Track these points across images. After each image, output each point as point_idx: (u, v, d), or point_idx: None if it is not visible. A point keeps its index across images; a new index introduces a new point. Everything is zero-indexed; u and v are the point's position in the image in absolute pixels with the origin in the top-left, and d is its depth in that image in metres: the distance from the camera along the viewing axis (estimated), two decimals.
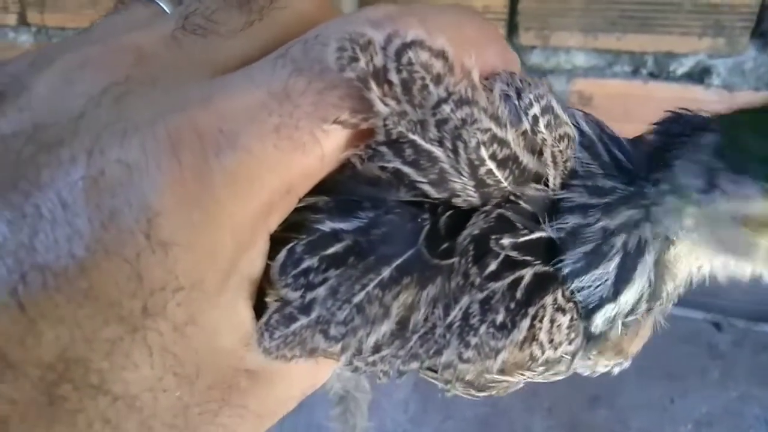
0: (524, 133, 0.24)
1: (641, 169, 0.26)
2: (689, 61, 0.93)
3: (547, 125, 0.24)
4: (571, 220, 0.25)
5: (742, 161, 0.23)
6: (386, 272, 0.23)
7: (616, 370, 0.31)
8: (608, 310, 0.26)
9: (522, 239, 0.24)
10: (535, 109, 0.24)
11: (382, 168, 0.23)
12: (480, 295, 0.23)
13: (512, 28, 0.99)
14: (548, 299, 0.25)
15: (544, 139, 0.24)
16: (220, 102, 0.21)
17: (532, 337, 0.24)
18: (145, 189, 0.19)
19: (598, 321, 0.26)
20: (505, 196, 0.24)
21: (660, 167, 0.25)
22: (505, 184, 0.24)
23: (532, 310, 0.24)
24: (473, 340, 0.24)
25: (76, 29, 1.26)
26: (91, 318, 0.19)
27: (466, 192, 0.23)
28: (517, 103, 0.24)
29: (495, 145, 0.23)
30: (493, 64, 0.25)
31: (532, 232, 0.24)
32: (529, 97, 0.24)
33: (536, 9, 0.96)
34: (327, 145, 0.22)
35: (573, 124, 0.26)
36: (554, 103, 0.25)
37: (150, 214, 0.19)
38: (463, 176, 0.23)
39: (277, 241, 0.23)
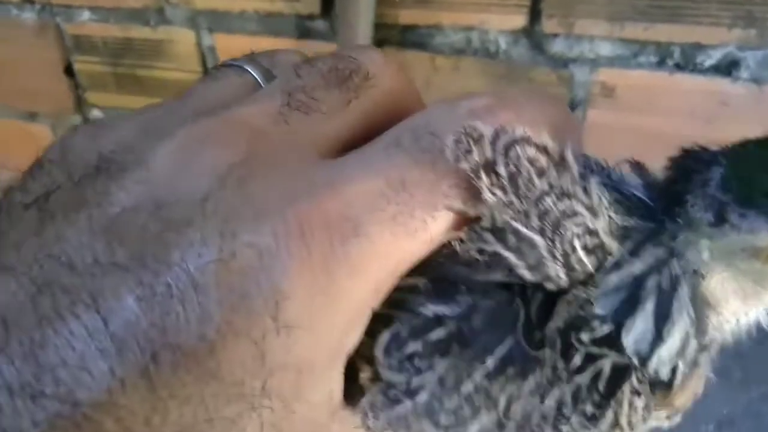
0: (609, 221, 0.25)
1: (660, 206, 0.26)
2: (717, 52, 0.91)
3: (617, 212, 0.25)
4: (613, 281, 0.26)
5: (750, 195, 0.24)
6: (491, 363, 0.24)
7: (666, 425, 0.31)
8: (661, 355, 0.26)
9: (598, 333, 0.25)
10: (608, 196, 0.25)
11: (481, 251, 0.24)
12: (569, 388, 0.24)
13: (535, 15, 0.96)
14: (626, 387, 0.26)
15: (617, 225, 0.25)
16: (343, 188, 0.22)
17: (615, 423, 0.25)
18: (275, 273, 0.20)
19: (655, 367, 0.26)
20: (589, 278, 0.25)
21: (675, 202, 0.26)
22: (591, 269, 0.25)
23: (614, 400, 0.25)
24: (564, 429, 0.25)
25: (81, 8, 1.23)
26: (216, 397, 0.20)
27: (558, 277, 0.24)
28: (602, 192, 0.25)
29: (587, 237, 0.24)
30: (577, 148, 0.27)
31: (603, 324, 0.25)
32: (598, 188, 0.25)
33: None
34: (434, 230, 0.23)
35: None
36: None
37: (279, 297, 0.20)
38: (558, 263, 0.24)
39: (374, 317, 0.24)
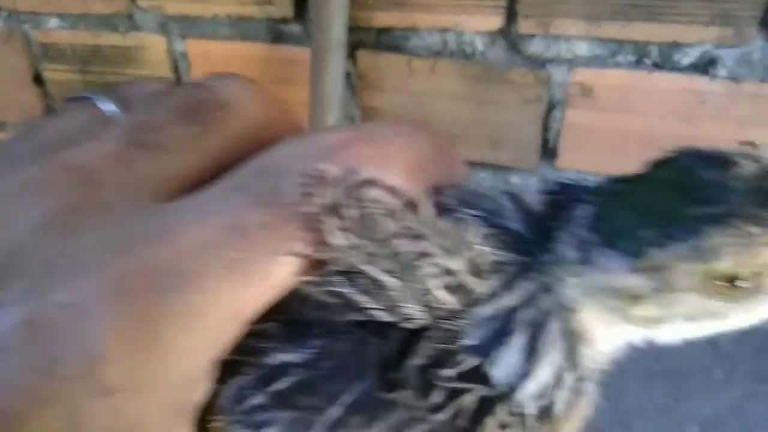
0: (469, 259, 0.24)
1: (535, 240, 0.26)
2: (695, 51, 0.90)
3: (484, 250, 0.25)
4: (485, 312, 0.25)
5: (613, 235, 0.24)
6: (335, 412, 0.23)
7: None
8: (529, 387, 0.25)
9: (464, 367, 0.25)
10: (471, 237, 0.25)
11: (333, 293, 0.23)
12: (425, 428, 0.24)
13: (511, 15, 0.95)
14: (490, 421, 0.25)
15: (484, 261, 0.25)
16: (172, 236, 0.20)
17: None
18: (89, 334, 0.19)
19: (524, 399, 0.26)
20: (452, 318, 0.25)
21: (548, 238, 0.26)
22: (453, 306, 0.24)
23: None
24: None
25: (48, 15, 1.19)
26: None
27: (415, 316, 0.24)
28: (462, 228, 0.25)
29: (444, 277, 0.24)
30: (443, 182, 0.26)
31: (470, 357, 0.25)
32: (464, 223, 0.25)
33: None
34: (280, 275, 0.22)
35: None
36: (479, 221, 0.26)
37: (95, 360, 0.19)
38: (414, 304, 0.23)
39: (226, 365, 0.23)
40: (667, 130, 0.95)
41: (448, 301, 0.24)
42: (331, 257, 0.23)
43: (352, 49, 1.06)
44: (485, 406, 0.25)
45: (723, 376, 0.87)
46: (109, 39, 1.18)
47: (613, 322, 0.26)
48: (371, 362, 0.23)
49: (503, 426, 0.25)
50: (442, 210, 0.25)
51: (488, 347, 0.25)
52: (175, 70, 1.18)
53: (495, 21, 0.96)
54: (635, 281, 0.24)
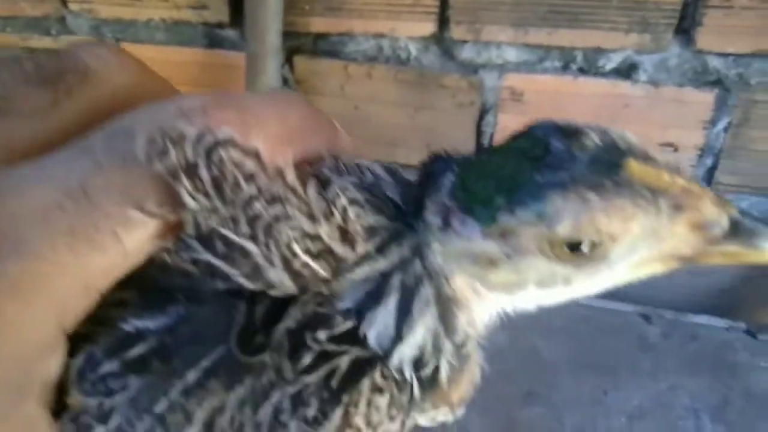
0: (337, 225, 0.24)
1: (409, 208, 0.27)
2: (617, 56, 0.94)
3: (356, 215, 0.25)
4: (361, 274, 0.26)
5: (469, 202, 0.25)
6: (191, 377, 0.22)
7: (451, 419, 0.32)
8: (402, 352, 0.26)
9: (338, 330, 0.25)
10: (342, 201, 0.25)
11: (195, 262, 0.23)
12: (292, 390, 0.23)
13: (443, 22, 0.97)
14: (364, 383, 0.25)
15: (355, 229, 0.25)
16: (9, 201, 0.20)
17: (347, 424, 0.25)
18: None
19: (397, 363, 0.26)
20: (324, 283, 0.25)
21: (420, 205, 0.26)
22: (323, 273, 0.24)
23: (345, 398, 0.24)
24: None
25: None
26: None
27: (282, 284, 0.24)
28: (330, 194, 0.24)
29: (308, 241, 0.23)
30: (319, 151, 0.26)
31: (346, 320, 0.25)
32: (336, 190, 0.25)
33: (467, 2, 0.94)
34: (130, 242, 0.21)
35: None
36: (358, 192, 0.26)
37: None
38: (278, 270, 0.23)
39: (80, 339, 0.22)
40: None
41: (315, 266, 0.24)
42: (188, 221, 0.22)
43: (290, 54, 1.06)
44: (359, 368, 0.25)
45: (650, 368, 0.90)
46: (40, 42, 1.15)
47: (481, 288, 0.27)
48: (235, 327, 0.23)
49: (377, 389, 0.25)
50: (317, 177, 0.25)
51: (362, 310, 0.25)
52: None
53: (427, 27, 0.98)
54: (488, 246, 0.25)
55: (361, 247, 0.25)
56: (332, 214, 0.24)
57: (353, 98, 1.06)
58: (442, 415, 0.31)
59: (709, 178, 0.99)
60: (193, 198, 0.22)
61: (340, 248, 0.25)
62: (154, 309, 0.23)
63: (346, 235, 0.25)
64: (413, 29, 0.99)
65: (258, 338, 0.23)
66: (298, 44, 1.05)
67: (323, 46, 1.04)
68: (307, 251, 0.24)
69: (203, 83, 1.11)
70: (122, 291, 0.22)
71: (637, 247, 0.25)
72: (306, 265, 0.24)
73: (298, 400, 0.23)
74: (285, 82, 1.08)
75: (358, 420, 0.25)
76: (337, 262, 0.25)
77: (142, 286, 0.23)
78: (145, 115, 0.22)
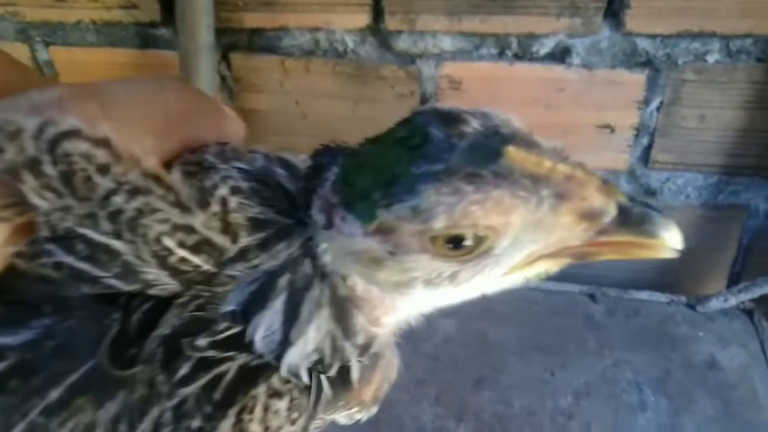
0: (215, 214, 0.23)
1: (300, 201, 0.25)
2: (550, 41, 0.95)
3: (239, 205, 0.23)
4: (239, 270, 0.24)
5: (350, 198, 0.23)
6: (54, 395, 0.21)
7: (365, 417, 0.31)
8: (293, 357, 0.24)
9: (221, 335, 0.23)
10: (223, 190, 0.23)
11: (57, 266, 0.21)
12: (171, 403, 0.22)
13: (377, 13, 0.97)
14: (260, 389, 0.24)
15: (237, 221, 0.23)
16: None
17: None
18: None
19: (288, 369, 0.24)
20: (210, 279, 0.23)
21: (308, 201, 0.25)
22: (206, 267, 0.22)
23: (234, 408, 0.23)
24: None
25: None
26: None
27: (161, 281, 0.22)
28: (208, 183, 0.23)
29: (180, 233, 0.22)
30: (200, 137, 0.24)
31: (233, 325, 0.23)
32: (217, 178, 0.23)
33: None
34: None
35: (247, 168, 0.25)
36: (243, 180, 0.24)
37: None
38: (153, 267, 0.21)
39: None
40: (531, 117, 0.99)
41: (195, 260, 0.22)
42: (41, 222, 0.20)
43: (226, 51, 1.04)
44: (249, 375, 0.23)
45: (596, 346, 0.92)
46: None
47: (379, 288, 0.26)
48: (104, 338, 0.21)
49: (275, 393, 0.24)
50: (198, 164, 0.23)
51: (248, 313, 0.23)
52: None
53: (362, 19, 0.97)
54: (370, 244, 0.23)
55: (244, 241, 0.23)
56: (208, 203, 0.22)
57: (293, 93, 1.05)
58: (357, 413, 0.30)
59: (645, 156, 1.01)
60: (41, 196, 0.20)
61: (221, 239, 0.23)
62: (15, 324, 0.21)
63: (227, 227, 0.23)
64: (348, 21, 0.98)
65: (132, 349, 0.22)
66: (234, 41, 1.04)
67: (259, 42, 1.03)
68: (182, 244, 0.22)
69: None
70: None
71: (523, 240, 0.24)
72: (184, 259, 0.22)
73: (179, 413, 0.22)
74: (223, 79, 1.07)
75: (254, 427, 0.23)
76: (221, 255, 0.23)
77: (4, 299, 0.21)
78: None
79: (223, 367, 0.23)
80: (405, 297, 0.26)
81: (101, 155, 0.21)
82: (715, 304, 0.94)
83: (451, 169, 0.22)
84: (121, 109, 0.22)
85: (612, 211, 0.23)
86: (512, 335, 0.93)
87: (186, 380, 0.22)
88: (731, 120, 0.96)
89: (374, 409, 0.31)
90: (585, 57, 0.95)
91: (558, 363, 0.89)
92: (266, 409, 0.24)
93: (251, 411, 0.23)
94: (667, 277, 1.09)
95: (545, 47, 0.96)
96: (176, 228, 0.22)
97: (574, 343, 0.92)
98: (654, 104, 0.97)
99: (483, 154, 0.22)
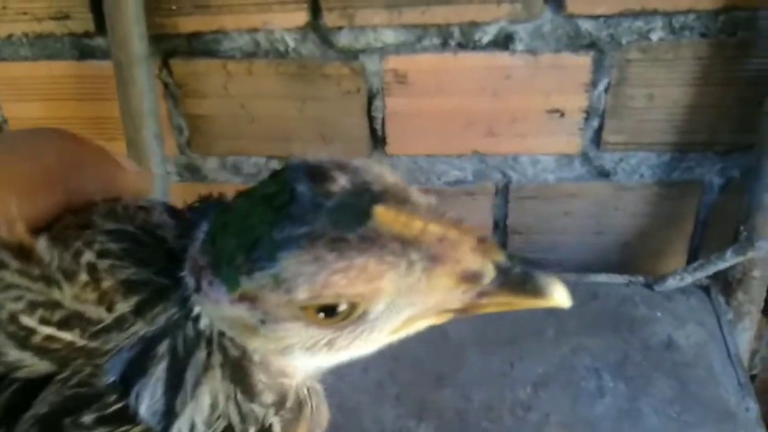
0: (86, 284, 0.21)
1: (178, 261, 0.23)
2: (492, 28, 0.93)
3: (109, 269, 0.22)
4: (114, 341, 0.22)
5: (217, 260, 0.21)
6: None
7: None
8: (183, 423, 0.22)
9: (110, 409, 0.22)
10: (88, 256, 0.21)
11: None
12: None
13: (315, 10, 0.94)
14: None
15: (110, 286, 0.22)
16: None
17: None
18: None
19: None
20: (89, 352, 0.21)
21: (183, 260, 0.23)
22: (82, 341, 0.21)
23: None
24: None
25: None
26: None
27: (26, 363, 0.21)
28: (70, 251, 0.21)
29: (42, 310, 0.20)
30: (87, 192, 0.23)
31: (121, 398, 0.22)
32: (78, 245, 0.21)
33: None
34: None
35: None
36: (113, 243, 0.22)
37: None
38: (10, 348, 0.20)
39: None
40: (479, 106, 0.99)
41: (64, 337, 0.21)
42: None
43: (166, 57, 1.02)
44: None
45: (554, 334, 0.92)
46: None
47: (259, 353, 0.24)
48: None
49: None
50: (81, 228, 0.22)
51: (129, 383, 0.22)
52: None
53: (301, 17, 0.95)
54: (239, 311, 0.22)
55: (119, 307, 0.22)
56: (76, 272, 0.21)
57: (238, 96, 1.03)
58: None
59: (597, 139, 1.01)
60: None
61: (93, 310, 0.21)
62: None
63: (103, 296, 0.21)
64: (287, 20, 0.96)
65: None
66: (172, 46, 1.01)
67: (198, 46, 1.00)
68: (45, 321, 0.20)
69: (78, 96, 1.05)
70: None
71: (398, 305, 0.22)
72: (50, 337, 0.21)
73: None
74: (166, 86, 1.04)
75: None
76: (94, 326, 0.21)
77: None
78: None
79: None
80: (288, 361, 0.25)
81: None
82: (672, 283, 0.94)
83: (314, 233, 0.20)
84: None
85: (490, 272, 0.23)
86: (472, 331, 0.92)
87: None
88: (680, 97, 0.95)
89: None
90: (528, 42, 0.94)
91: (517, 354, 0.89)
92: None
93: None
94: (626, 257, 1.09)
95: (488, 35, 0.94)
96: (35, 305, 0.20)
97: (533, 333, 0.92)
98: (601, 86, 0.96)
99: (349, 215, 0.21)
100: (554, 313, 0.95)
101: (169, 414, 0.22)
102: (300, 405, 0.26)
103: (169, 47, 1.01)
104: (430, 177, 1.07)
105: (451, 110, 1.00)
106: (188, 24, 0.98)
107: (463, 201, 1.06)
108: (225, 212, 0.23)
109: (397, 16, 0.93)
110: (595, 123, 0.99)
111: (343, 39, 0.96)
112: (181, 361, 0.23)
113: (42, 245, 0.21)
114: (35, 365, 0.21)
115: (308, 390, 0.27)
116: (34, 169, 0.22)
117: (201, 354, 0.23)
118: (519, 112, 0.99)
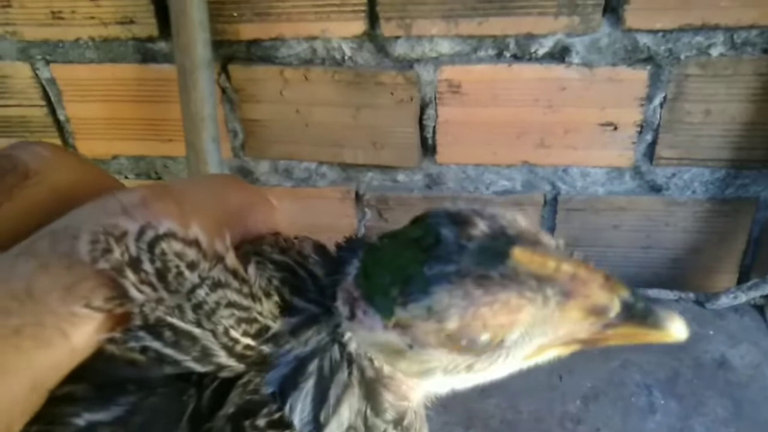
0: (273, 303, 0.25)
1: (328, 293, 0.26)
2: (548, 41, 0.94)
3: (277, 293, 0.25)
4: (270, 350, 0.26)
5: (371, 293, 0.25)
6: None
7: None
8: None
9: (276, 416, 0.25)
10: (275, 281, 0.25)
11: (144, 350, 0.23)
12: None
13: (373, 19, 0.96)
14: None
15: (281, 307, 0.25)
16: None
17: None
18: None
19: None
20: (264, 360, 0.25)
21: (334, 292, 0.26)
22: (266, 350, 0.25)
23: None
24: None
25: None
26: None
27: (229, 365, 0.24)
28: (264, 276, 0.25)
29: (246, 324, 0.24)
30: (259, 229, 0.27)
31: (281, 409, 0.25)
32: (269, 271, 0.26)
33: None
34: (77, 338, 0.22)
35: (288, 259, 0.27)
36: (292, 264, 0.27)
37: None
38: (224, 352, 0.24)
39: None
40: (533, 118, 0.99)
41: (255, 346, 0.24)
42: (135, 312, 0.23)
43: (225, 63, 1.04)
44: None
45: (603, 348, 0.92)
46: None
47: (407, 371, 0.27)
48: (183, 414, 0.23)
49: None
50: (251, 257, 0.26)
51: (284, 395, 0.25)
52: (46, 97, 1.13)
53: (358, 26, 0.97)
54: (391, 337, 0.25)
55: (284, 327, 0.25)
56: (266, 294, 0.25)
57: (293, 102, 1.05)
58: None
59: (650, 153, 1.00)
60: (139, 290, 0.22)
61: (273, 326, 0.25)
62: (105, 401, 0.23)
63: (276, 315, 0.25)
64: (344, 29, 0.97)
65: (204, 425, 0.24)
66: (232, 52, 1.04)
67: (257, 53, 1.03)
68: (247, 333, 0.24)
69: (139, 99, 1.09)
70: (70, 385, 0.23)
71: (532, 334, 0.25)
72: (249, 346, 0.24)
73: None
74: (224, 91, 1.07)
75: None
76: (270, 341, 0.25)
77: (91, 379, 0.23)
78: (88, 213, 0.23)
79: None
80: (426, 382, 0.28)
81: (191, 253, 0.23)
82: (725, 301, 0.93)
83: (461, 271, 0.23)
84: (196, 208, 0.24)
85: (616, 307, 0.25)
86: None
87: None
88: (737, 113, 0.94)
89: None
90: (585, 55, 0.94)
91: (565, 367, 0.89)
92: None
93: None
94: (675, 273, 1.08)
95: (544, 47, 0.95)
96: (245, 319, 0.24)
97: None
98: (657, 100, 0.95)
99: (491, 256, 0.24)
100: None
101: (316, 425, 0.26)
102: (409, 427, 0.29)
103: (228, 53, 1.04)
104: (479, 186, 1.08)
105: (503, 121, 1.00)
106: (249, 31, 1.00)
107: (511, 211, 1.06)
108: (375, 251, 0.26)
109: (454, 27, 0.94)
110: (649, 137, 0.99)
111: (399, 48, 0.98)
112: (327, 379, 0.26)
113: (251, 270, 0.25)
114: (234, 368, 0.24)
115: (416, 413, 0.30)
116: (226, 208, 0.26)
117: (344, 374, 0.26)
118: (572, 124, 0.99)
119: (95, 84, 1.10)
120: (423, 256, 0.24)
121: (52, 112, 1.15)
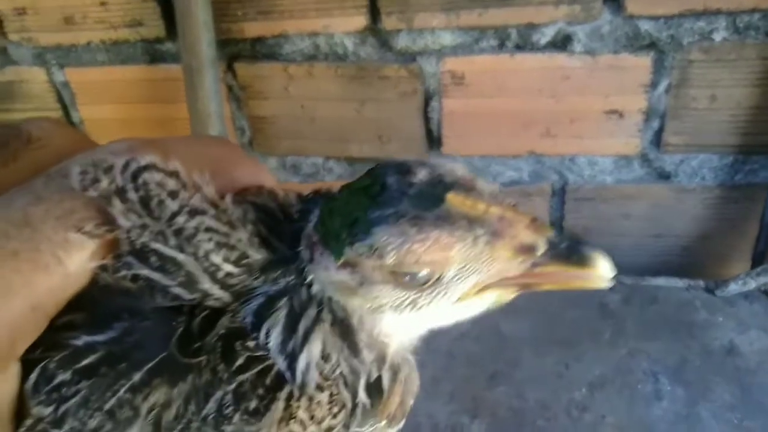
0: (251, 234, 0.27)
1: (295, 239, 0.29)
2: (550, 30, 0.94)
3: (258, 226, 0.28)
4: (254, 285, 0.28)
5: (327, 236, 0.27)
6: (137, 376, 0.25)
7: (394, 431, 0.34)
8: (301, 363, 0.28)
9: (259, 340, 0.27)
10: (251, 215, 0.28)
11: (135, 278, 0.26)
12: (230, 387, 0.26)
13: (374, 13, 0.97)
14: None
15: (259, 240, 0.28)
16: None
17: (289, 417, 0.27)
18: None
19: (300, 378, 0.28)
20: (248, 291, 0.27)
21: (298, 238, 0.29)
22: (250, 280, 0.27)
23: (283, 393, 0.27)
24: (228, 429, 0.26)
25: None
26: None
27: (214, 293, 0.26)
28: (243, 210, 0.28)
29: (226, 250, 0.26)
30: (243, 181, 0.29)
31: (257, 335, 0.27)
32: (245, 205, 0.28)
33: None
34: (71, 263, 0.24)
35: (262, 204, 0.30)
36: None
37: None
38: (207, 278, 0.26)
39: (36, 364, 0.24)
40: (537, 107, 0.99)
41: (236, 274, 0.27)
42: (123, 239, 0.25)
43: (230, 61, 1.06)
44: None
45: (610, 336, 0.92)
46: None
47: (371, 311, 0.29)
48: (173, 335, 0.26)
49: (317, 386, 0.28)
50: (237, 202, 0.28)
51: (259, 323, 0.28)
52: (60, 99, 1.16)
53: (360, 20, 0.97)
54: (343, 276, 0.27)
55: (260, 261, 0.28)
56: (246, 224, 0.27)
57: (298, 98, 1.06)
58: (386, 429, 0.33)
59: (657, 140, 0.99)
60: (126, 218, 0.25)
61: (255, 254, 0.27)
62: (102, 326, 0.25)
63: (256, 244, 0.28)
64: (346, 24, 0.98)
65: (196, 343, 0.26)
66: (237, 50, 1.05)
67: (261, 50, 1.04)
68: (226, 259, 0.26)
69: (148, 99, 1.11)
70: (70, 315, 0.25)
71: (467, 271, 0.27)
72: (230, 273, 0.27)
73: (239, 395, 0.26)
74: (230, 89, 1.09)
75: (302, 414, 0.27)
76: (251, 269, 0.27)
77: (89, 309, 0.26)
78: (76, 159, 0.26)
79: (269, 361, 0.27)
80: (382, 320, 0.30)
81: (171, 183, 0.26)
82: (734, 287, 0.92)
83: (399, 213, 0.26)
84: (180, 156, 0.27)
85: (542, 246, 0.27)
86: (526, 329, 0.93)
87: (242, 369, 0.27)
88: (743, 98, 0.93)
89: (401, 424, 0.34)
90: (587, 43, 0.94)
91: (572, 355, 0.89)
92: (310, 399, 0.28)
93: (298, 399, 0.27)
94: (686, 261, 1.07)
95: (546, 36, 0.94)
96: (220, 245, 0.26)
97: (589, 335, 0.91)
98: (662, 87, 0.95)
99: (427, 200, 0.26)
100: (611, 314, 0.94)
101: (287, 355, 0.28)
102: (396, 369, 0.31)
103: (234, 51, 1.05)
104: (486, 177, 1.08)
105: (507, 111, 1.00)
106: (253, 29, 1.02)
107: (519, 202, 1.06)
108: (331, 201, 0.28)
109: (455, 19, 0.95)
110: (656, 124, 0.98)
111: (401, 41, 0.99)
112: (296, 314, 0.28)
113: (228, 200, 0.27)
114: (219, 297, 0.27)
115: (402, 358, 0.32)
116: (211, 159, 0.29)
117: (312, 311, 0.28)
118: (577, 113, 0.99)
119: (106, 86, 1.12)
120: (369, 202, 0.26)
121: (67, 114, 1.18)
